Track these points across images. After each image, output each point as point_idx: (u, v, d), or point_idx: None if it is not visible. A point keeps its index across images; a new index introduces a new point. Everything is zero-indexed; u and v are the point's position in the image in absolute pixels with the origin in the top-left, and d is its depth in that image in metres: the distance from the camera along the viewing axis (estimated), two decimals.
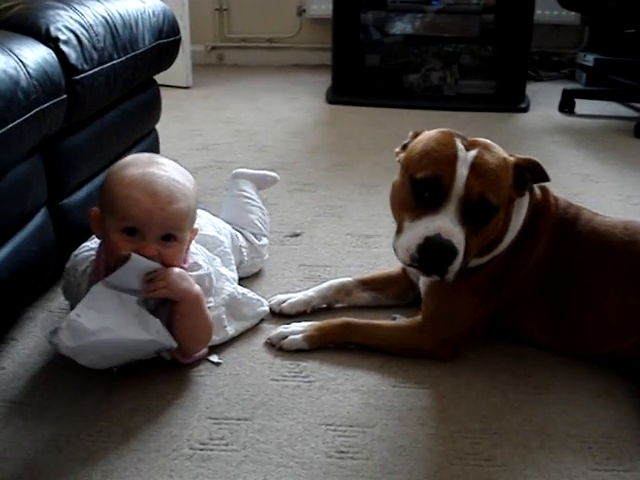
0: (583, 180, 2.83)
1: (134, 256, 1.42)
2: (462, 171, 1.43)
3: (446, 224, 1.42)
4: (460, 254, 1.42)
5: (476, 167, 1.44)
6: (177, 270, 1.47)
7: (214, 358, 1.58)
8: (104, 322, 1.38)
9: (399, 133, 3.23)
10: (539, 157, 3.00)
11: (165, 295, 1.46)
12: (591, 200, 2.51)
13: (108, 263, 1.49)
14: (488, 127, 3.56)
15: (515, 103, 3.95)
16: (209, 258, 1.65)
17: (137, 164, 1.50)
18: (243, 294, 1.70)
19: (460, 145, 1.46)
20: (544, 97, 4.18)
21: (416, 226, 1.45)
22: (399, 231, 1.51)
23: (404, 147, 1.61)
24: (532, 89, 4.25)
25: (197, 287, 1.50)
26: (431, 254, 1.42)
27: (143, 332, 1.43)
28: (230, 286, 1.67)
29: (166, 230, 1.45)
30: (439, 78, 4.10)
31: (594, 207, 1.73)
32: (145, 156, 1.56)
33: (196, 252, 1.60)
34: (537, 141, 3.38)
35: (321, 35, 4.69)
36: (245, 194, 2.07)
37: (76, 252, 1.61)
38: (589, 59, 4.43)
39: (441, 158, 1.45)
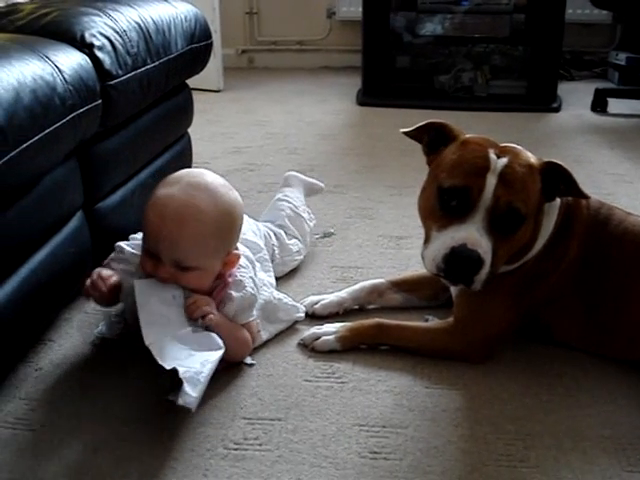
0: (616, 180, 2.80)
1: (136, 283, 1.45)
2: (491, 181, 1.42)
3: (472, 234, 1.42)
4: (487, 264, 1.42)
5: (505, 176, 1.43)
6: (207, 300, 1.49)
7: (247, 360, 1.59)
8: (198, 360, 1.38)
9: None
10: (572, 157, 3.04)
11: (213, 322, 1.47)
12: (624, 200, 2.49)
13: None
14: (520, 127, 3.54)
15: (547, 103, 3.93)
16: (251, 262, 1.65)
17: (171, 183, 1.50)
18: (279, 299, 1.70)
19: (493, 156, 1.45)
20: (576, 97, 4.15)
21: (443, 236, 1.45)
22: (427, 240, 1.51)
23: (430, 146, 1.59)
24: (564, 89, 4.22)
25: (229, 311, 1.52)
26: (457, 264, 1.42)
27: (217, 349, 1.43)
28: (267, 291, 1.68)
29: (174, 256, 1.45)
30: (470, 79, 4.10)
31: (628, 207, 1.72)
32: (189, 173, 1.56)
33: (246, 269, 1.59)
34: (569, 141, 3.36)
35: (351, 37, 4.69)
36: (287, 198, 2.10)
37: (133, 237, 1.65)
38: (621, 58, 4.39)
39: (472, 169, 1.44)
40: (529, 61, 4.02)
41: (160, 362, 1.34)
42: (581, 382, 1.54)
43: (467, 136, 1.56)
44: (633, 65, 4.32)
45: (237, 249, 1.58)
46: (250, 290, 1.56)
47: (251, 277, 1.59)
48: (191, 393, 1.30)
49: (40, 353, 1.62)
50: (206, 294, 1.52)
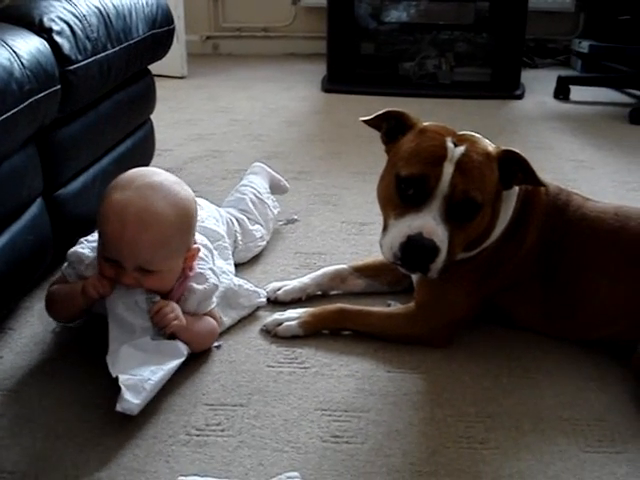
0: (578, 166, 2.84)
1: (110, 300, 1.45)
2: (448, 170, 1.43)
3: (429, 223, 1.42)
4: (442, 252, 1.43)
5: (462, 165, 1.44)
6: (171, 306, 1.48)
7: (214, 342, 1.60)
8: (147, 367, 1.39)
9: None
10: (534, 144, 3.07)
11: (178, 329, 1.47)
12: (586, 186, 2.52)
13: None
14: (483, 114, 3.57)
15: (510, 90, 3.96)
16: (209, 251, 1.65)
17: (123, 187, 1.46)
18: (240, 285, 1.70)
19: (450, 145, 1.46)
20: (539, 84, 4.19)
21: (400, 224, 1.46)
22: (385, 228, 1.52)
23: (388, 134, 1.60)
24: (527, 76, 4.25)
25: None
26: (413, 253, 1.43)
27: (177, 357, 1.45)
28: (226, 278, 1.68)
29: (137, 262, 1.44)
30: (434, 66, 4.11)
31: (589, 193, 1.74)
32: (139, 174, 1.51)
33: (205, 261, 1.59)
34: (532, 128, 3.39)
35: (316, 24, 4.69)
36: (252, 184, 2.10)
37: (85, 239, 1.61)
38: (584, 46, 4.44)
39: (429, 158, 1.45)
40: (493, 48, 4.05)
41: (110, 370, 1.36)
42: (540, 364, 1.56)
43: (425, 124, 1.56)
44: (596, 53, 4.37)
45: (195, 242, 1.57)
46: (213, 281, 1.56)
47: (210, 268, 1.58)
48: (131, 400, 1.31)
49: (1, 342, 1.60)
50: (168, 290, 1.52)
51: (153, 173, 1.53)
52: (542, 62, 4.77)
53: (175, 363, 1.43)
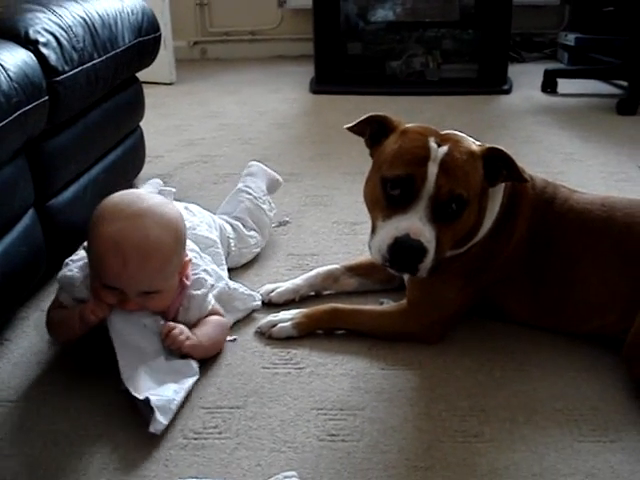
0: (566, 159, 2.86)
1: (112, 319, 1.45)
2: (432, 170, 1.44)
3: (415, 224, 1.43)
4: (430, 252, 1.44)
5: (446, 164, 1.45)
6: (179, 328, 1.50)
7: (227, 337, 1.63)
8: (167, 387, 1.40)
9: None
10: (522, 138, 3.09)
11: (191, 349, 1.49)
12: (574, 178, 2.54)
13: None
14: (471, 110, 3.58)
15: (498, 85, 3.98)
16: (197, 253, 1.66)
17: (112, 218, 1.45)
18: (235, 289, 1.72)
19: (433, 145, 1.47)
20: (527, 78, 4.21)
21: (387, 226, 1.47)
22: (373, 230, 1.53)
23: (373, 138, 1.61)
24: (514, 71, 4.28)
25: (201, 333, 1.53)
26: (401, 254, 1.44)
27: (192, 375, 1.47)
28: (221, 282, 1.69)
29: (141, 289, 1.45)
30: (421, 64, 4.13)
31: (577, 185, 1.76)
32: (124, 202, 1.49)
33: (199, 266, 1.60)
34: (520, 122, 3.41)
35: (303, 26, 4.70)
36: (248, 189, 2.10)
37: (70, 260, 1.59)
38: (570, 38, 4.46)
39: (413, 159, 1.46)
40: (479, 44, 4.07)
41: (134, 394, 1.36)
42: (532, 357, 1.58)
43: (407, 126, 1.57)
44: (582, 45, 4.39)
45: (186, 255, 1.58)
46: (210, 283, 1.58)
47: (204, 269, 1.60)
48: (162, 421, 1.33)
49: None
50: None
51: (137, 198, 1.51)
52: (529, 56, 4.79)
53: (191, 381, 1.46)
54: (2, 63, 1.51)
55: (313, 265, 1.95)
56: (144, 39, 2.27)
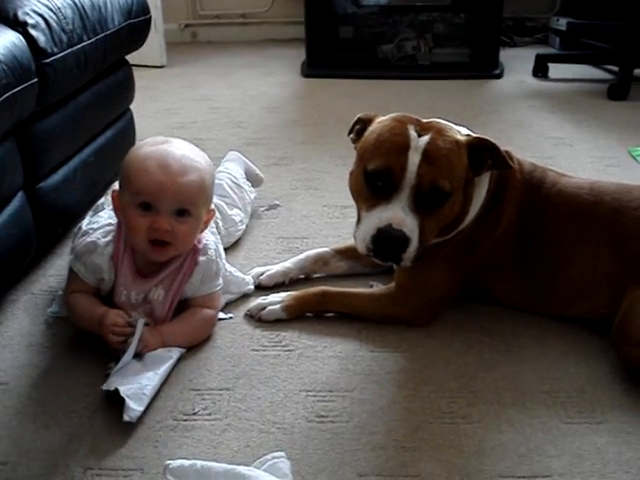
0: (557, 144, 2.86)
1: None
2: (414, 160, 1.44)
3: (397, 214, 1.44)
4: (413, 242, 1.44)
5: (427, 154, 1.45)
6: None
7: (221, 315, 1.65)
8: (144, 376, 1.41)
9: (375, 104, 3.29)
10: (513, 122, 3.10)
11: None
12: (565, 163, 2.55)
13: (130, 245, 1.54)
14: (463, 94, 3.58)
15: (489, 69, 3.98)
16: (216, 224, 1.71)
17: (153, 143, 1.54)
18: (230, 272, 1.73)
19: (413, 133, 1.47)
20: (518, 63, 4.21)
21: (371, 216, 1.48)
22: (358, 221, 1.54)
23: (358, 133, 1.62)
24: (506, 55, 4.28)
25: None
26: (384, 245, 1.45)
27: (171, 358, 1.48)
28: (223, 261, 1.70)
29: (179, 203, 1.48)
30: (413, 47, 4.12)
31: (568, 169, 1.76)
32: (161, 137, 1.59)
33: (209, 236, 1.63)
34: (511, 106, 3.41)
35: (294, 9, 4.67)
36: (228, 170, 2.12)
37: (89, 228, 1.61)
38: (562, 23, 4.46)
39: (393, 149, 1.46)
40: (471, 29, 4.07)
41: (104, 388, 1.38)
42: (521, 339, 1.59)
43: (388, 116, 1.57)
44: (573, 30, 4.38)
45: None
46: (212, 256, 1.59)
47: (214, 242, 1.63)
48: (135, 408, 1.33)
49: None
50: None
51: (169, 137, 1.60)
52: (521, 41, 4.79)
53: (167, 365, 1.46)
54: None
55: (303, 248, 1.95)
56: (134, 21, 2.26)
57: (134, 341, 1.45)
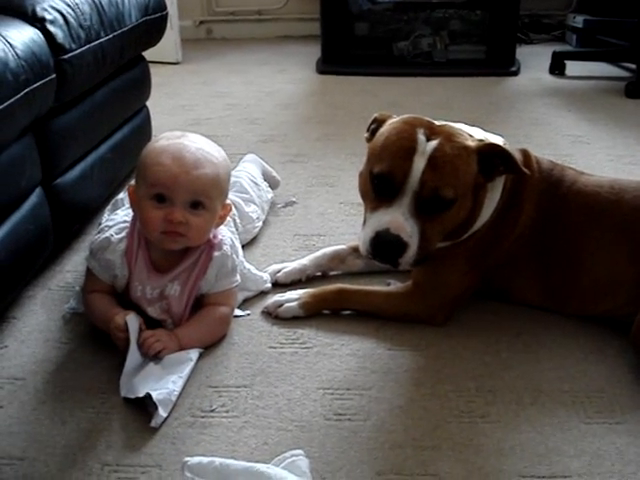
0: (574, 142, 2.84)
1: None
2: (418, 165, 1.43)
3: (396, 219, 1.43)
4: (411, 247, 1.43)
5: (433, 160, 1.43)
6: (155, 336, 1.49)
7: (238, 312, 1.65)
8: (169, 380, 1.40)
9: (390, 101, 3.28)
10: (530, 120, 3.08)
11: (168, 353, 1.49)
12: (582, 161, 2.53)
13: (145, 240, 1.54)
14: (479, 92, 3.57)
15: (505, 67, 3.96)
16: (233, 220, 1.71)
17: (169, 137, 1.55)
18: (248, 269, 1.73)
19: (421, 137, 1.45)
20: (535, 60, 4.19)
21: (373, 219, 1.47)
22: (364, 222, 1.53)
23: (372, 133, 1.60)
24: (522, 52, 4.26)
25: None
26: (381, 248, 1.45)
27: (190, 360, 1.47)
28: (241, 258, 1.70)
29: (193, 195, 1.48)
30: (429, 44, 4.10)
31: (585, 168, 1.75)
32: (178, 132, 1.59)
33: (225, 232, 1.63)
34: (528, 104, 3.39)
35: (310, 5, 4.66)
36: (246, 169, 2.13)
37: (105, 226, 1.62)
38: (579, 20, 4.43)
39: (399, 152, 1.45)
40: (487, 26, 4.05)
41: (132, 396, 1.37)
42: (540, 338, 1.58)
43: (400, 117, 1.56)
44: (590, 27, 4.36)
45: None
46: (227, 251, 1.58)
47: (231, 238, 1.63)
48: (162, 414, 1.33)
49: (4, 331, 1.61)
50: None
51: (185, 132, 1.61)
52: (537, 38, 4.76)
53: (189, 368, 1.45)
54: (10, 41, 1.51)
55: (320, 245, 1.95)
56: (150, 18, 2.26)
57: (131, 340, 1.45)
